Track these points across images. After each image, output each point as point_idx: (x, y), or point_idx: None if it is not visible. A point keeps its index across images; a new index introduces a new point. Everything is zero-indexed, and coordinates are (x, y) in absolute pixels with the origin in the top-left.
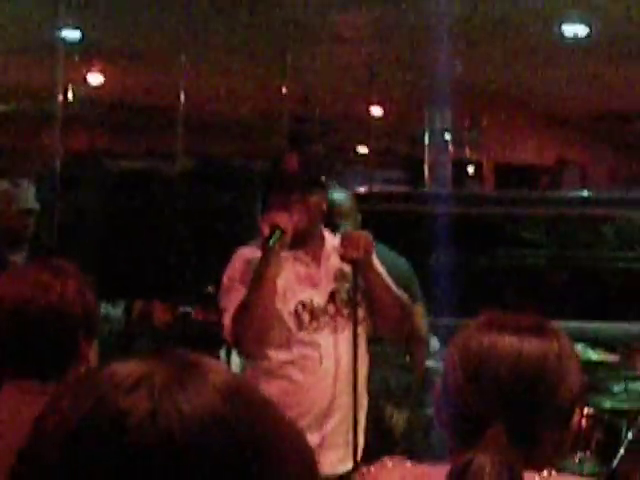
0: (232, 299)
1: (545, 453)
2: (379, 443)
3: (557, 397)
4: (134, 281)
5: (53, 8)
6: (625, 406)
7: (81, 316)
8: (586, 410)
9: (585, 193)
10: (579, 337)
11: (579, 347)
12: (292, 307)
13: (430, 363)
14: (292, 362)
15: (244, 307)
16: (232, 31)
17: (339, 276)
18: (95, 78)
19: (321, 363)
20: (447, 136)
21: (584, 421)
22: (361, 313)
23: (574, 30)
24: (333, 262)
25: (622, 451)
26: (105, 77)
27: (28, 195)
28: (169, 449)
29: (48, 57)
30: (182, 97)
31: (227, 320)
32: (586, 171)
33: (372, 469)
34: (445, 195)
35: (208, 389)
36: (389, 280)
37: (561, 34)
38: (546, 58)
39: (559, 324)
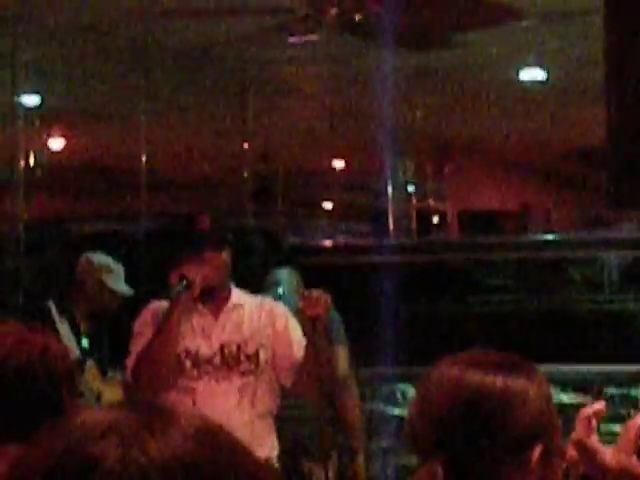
0: (136, 344)
1: None
2: None
3: (502, 431)
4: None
5: (11, 73)
6: None
7: (64, 373)
8: None
9: (550, 236)
10: (550, 380)
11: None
12: (177, 354)
13: (377, 406)
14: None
15: (146, 351)
16: (191, 89)
17: (235, 331)
18: (56, 143)
19: (194, 410)
20: (410, 187)
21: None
22: (248, 366)
23: (531, 74)
24: (234, 317)
25: None
26: (66, 141)
27: (123, 277)
28: None
29: (8, 123)
30: (143, 158)
31: (129, 362)
32: (550, 214)
33: None
34: (409, 244)
35: (178, 435)
36: (328, 349)
37: (518, 79)
38: (505, 104)
39: None
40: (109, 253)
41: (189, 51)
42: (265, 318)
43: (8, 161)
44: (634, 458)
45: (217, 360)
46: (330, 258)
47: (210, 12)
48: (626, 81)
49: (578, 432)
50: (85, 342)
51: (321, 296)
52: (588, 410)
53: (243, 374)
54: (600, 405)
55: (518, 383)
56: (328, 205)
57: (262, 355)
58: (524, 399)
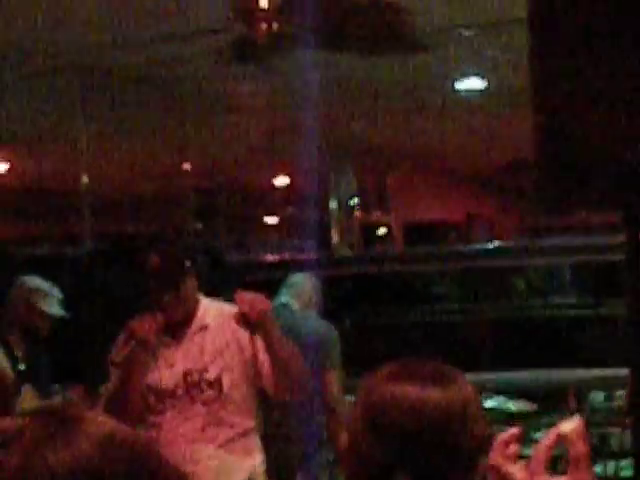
0: (108, 385)
1: None
2: None
3: (461, 445)
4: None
5: None
6: None
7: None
8: None
9: (492, 245)
10: (495, 388)
11: (496, 398)
12: (141, 391)
13: (322, 419)
14: None
15: (110, 402)
16: (131, 109)
17: (198, 356)
18: None
19: (161, 446)
20: (353, 200)
21: None
22: (211, 393)
23: (470, 85)
24: (197, 341)
25: None
26: (7, 165)
27: (59, 300)
28: None
29: None
30: (85, 180)
31: (102, 400)
32: (494, 224)
33: None
34: (353, 257)
35: (80, 441)
36: (286, 343)
37: (457, 90)
38: (445, 115)
39: (474, 376)
40: (53, 276)
41: (129, 71)
42: (235, 332)
43: None
44: (543, 475)
45: (180, 391)
46: (274, 273)
47: (148, 33)
48: (551, 86)
49: (494, 456)
50: (22, 366)
51: (255, 299)
52: (504, 435)
53: (205, 403)
54: (516, 430)
55: (470, 395)
56: (272, 221)
57: (225, 380)
58: (476, 411)
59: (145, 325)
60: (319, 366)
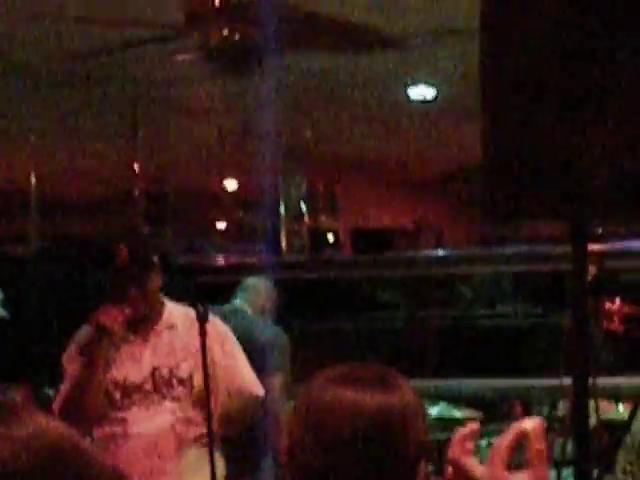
0: (63, 385)
1: None
2: None
3: (400, 450)
4: None
5: None
6: None
7: None
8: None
9: (440, 253)
10: (441, 395)
11: (442, 406)
12: (104, 387)
13: None
14: (104, 439)
15: (68, 401)
16: (81, 109)
17: (166, 354)
18: None
19: (127, 439)
20: (302, 205)
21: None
22: (181, 391)
23: (420, 92)
24: (165, 339)
25: None
26: None
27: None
28: None
29: None
30: (33, 179)
31: (56, 404)
32: (443, 232)
33: None
34: (300, 262)
35: (8, 442)
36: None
37: (408, 97)
38: (395, 122)
39: (420, 383)
40: None
41: (78, 70)
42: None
43: None
44: (503, 471)
45: (148, 386)
46: (222, 276)
47: (102, 24)
48: (500, 95)
49: (453, 451)
50: None
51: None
52: (463, 430)
53: (175, 399)
54: (475, 425)
55: (410, 400)
56: (221, 225)
57: (197, 378)
58: (416, 417)
59: (112, 315)
60: (265, 370)
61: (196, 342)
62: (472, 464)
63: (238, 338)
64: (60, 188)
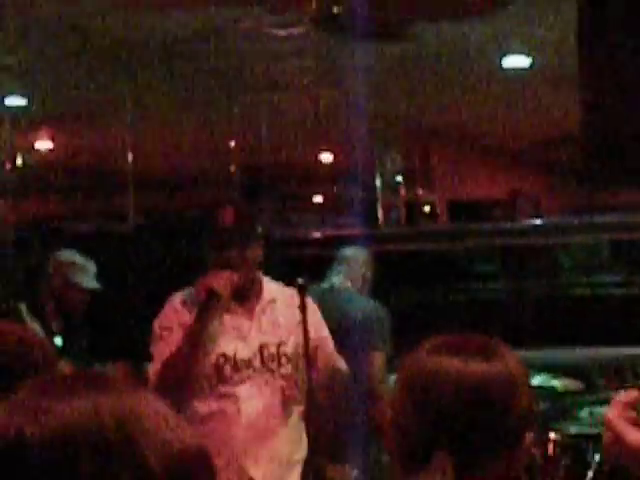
0: (159, 351)
1: (494, 478)
2: None
3: (503, 421)
4: (93, 343)
5: None
6: (591, 430)
7: (41, 363)
8: (553, 436)
9: (538, 222)
10: (541, 366)
11: (543, 376)
12: (214, 360)
13: None
14: (211, 415)
15: (170, 366)
16: (177, 86)
17: (272, 330)
18: (43, 144)
19: (239, 416)
20: (398, 178)
21: (551, 448)
22: (289, 369)
23: (515, 61)
24: (269, 315)
25: (591, 474)
26: (53, 142)
27: (93, 273)
28: None
29: None
30: (130, 156)
31: (152, 372)
32: (539, 201)
33: None
34: (397, 234)
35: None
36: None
37: (503, 66)
38: (490, 91)
39: (519, 353)
40: (98, 251)
41: (173, 48)
42: (296, 313)
43: None
44: None
45: (257, 363)
46: (318, 250)
47: (197, 3)
48: (598, 65)
49: (612, 414)
50: (58, 340)
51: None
52: (626, 395)
53: (284, 377)
54: (635, 393)
55: (514, 370)
56: (317, 198)
57: (300, 356)
58: (521, 386)
59: (221, 280)
60: (364, 348)
61: (296, 316)
62: (628, 431)
63: (337, 316)
64: (157, 165)
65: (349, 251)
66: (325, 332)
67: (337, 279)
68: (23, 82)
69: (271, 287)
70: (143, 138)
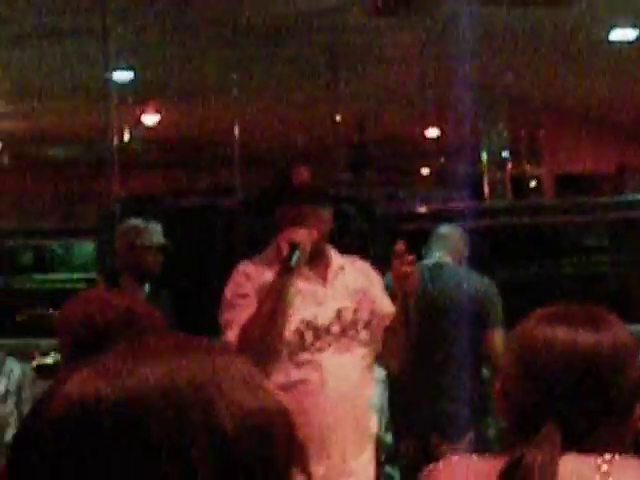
0: (236, 316)
1: (603, 449)
2: None
3: (613, 391)
4: (199, 318)
5: (103, 50)
6: None
7: (149, 331)
8: None
9: None
10: None
11: None
12: (295, 326)
13: None
14: (294, 383)
15: (255, 327)
16: (281, 62)
17: (346, 295)
18: (149, 118)
19: (323, 385)
20: (505, 152)
21: None
22: (366, 335)
23: (623, 34)
24: (340, 281)
25: None
26: (160, 116)
27: (159, 231)
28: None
29: (101, 100)
30: (236, 131)
31: (231, 336)
32: None
33: (439, 465)
34: (503, 207)
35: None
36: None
37: (609, 39)
38: (597, 65)
39: (628, 328)
40: (205, 226)
41: (279, 23)
42: (364, 280)
43: (102, 138)
44: None
45: (336, 329)
46: (425, 224)
47: None
48: None
49: None
50: None
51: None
52: None
53: (363, 344)
54: None
55: (624, 340)
56: (424, 172)
57: (374, 321)
58: (631, 356)
59: (302, 234)
60: (484, 324)
61: (364, 284)
62: None
63: (452, 294)
64: (263, 139)
65: (445, 228)
66: (388, 307)
67: (438, 255)
68: (130, 56)
69: (337, 256)
70: (250, 113)
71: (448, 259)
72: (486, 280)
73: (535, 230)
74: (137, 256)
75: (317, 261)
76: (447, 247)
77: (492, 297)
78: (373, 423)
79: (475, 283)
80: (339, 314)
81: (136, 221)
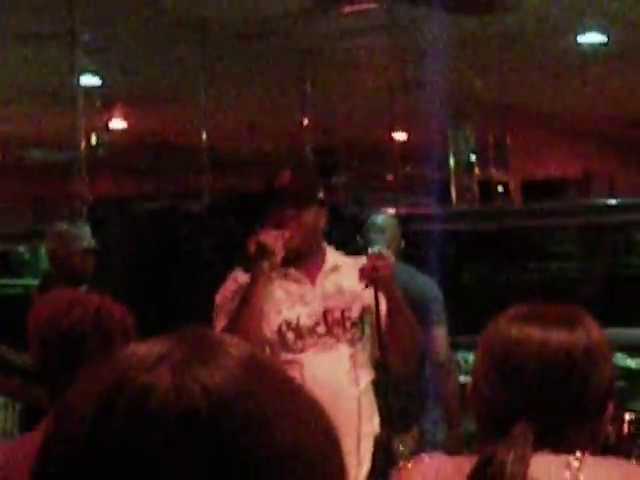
0: (220, 320)
1: (574, 448)
2: None
3: (586, 390)
4: (165, 321)
5: (71, 55)
6: None
7: (118, 332)
8: (628, 416)
9: (613, 200)
10: (617, 345)
11: (618, 356)
12: (276, 326)
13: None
14: None
15: (229, 327)
16: (248, 65)
17: (335, 295)
18: (117, 123)
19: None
20: (472, 157)
21: (626, 427)
22: (357, 334)
23: (591, 39)
24: (332, 281)
25: None
26: (127, 121)
27: (87, 234)
28: (193, 423)
29: (69, 104)
30: (204, 135)
31: None
32: (614, 181)
33: (409, 464)
34: (470, 212)
35: (229, 363)
36: (404, 305)
37: (578, 44)
38: (564, 70)
39: None
40: (171, 230)
41: (246, 27)
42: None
43: (70, 142)
44: None
45: (321, 329)
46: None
47: None
48: None
49: None
50: None
51: (379, 258)
52: None
53: (351, 343)
54: None
55: (597, 339)
56: (392, 176)
57: (367, 320)
58: (603, 356)
59: (271, 236)
60: (426, 322)
61: (360, 283)
62: None
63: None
64: (231, 144)
65: (381, 218)
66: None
67: (380, 248)
68: (96, 60)
69: (336, 256)
70: (217, 117)
71: (389, 252)
72: (427, 278)
73: (502, 235)
74: (65, 261)
75: (308, 261)
76: (386, 238)
77: (433, 295)
78: (367, 424)
79: (416, 280)
80: (325, 314)
81: (62, 225)
